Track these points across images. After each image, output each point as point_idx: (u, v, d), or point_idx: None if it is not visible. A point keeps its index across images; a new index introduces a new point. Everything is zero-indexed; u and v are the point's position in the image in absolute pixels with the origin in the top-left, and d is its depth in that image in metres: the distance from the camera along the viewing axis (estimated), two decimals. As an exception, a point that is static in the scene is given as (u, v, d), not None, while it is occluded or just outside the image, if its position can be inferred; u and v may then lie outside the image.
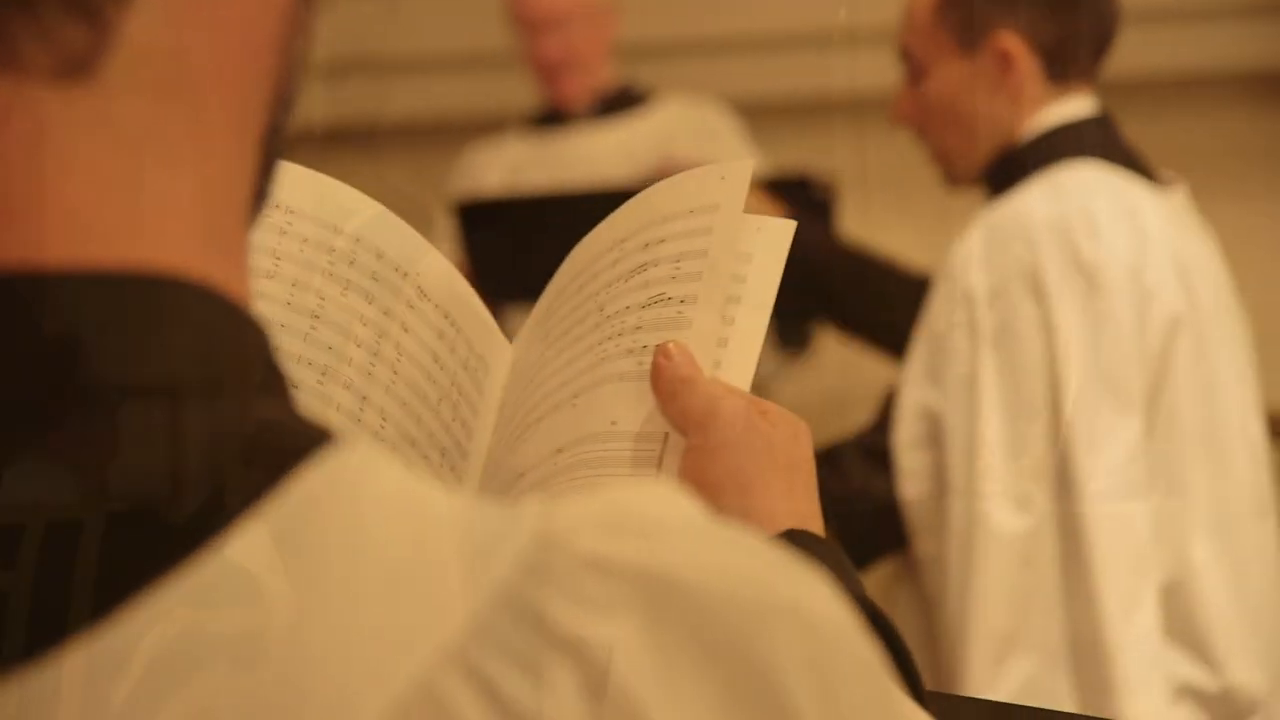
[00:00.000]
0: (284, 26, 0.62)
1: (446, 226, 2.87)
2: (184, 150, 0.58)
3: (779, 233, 0.97)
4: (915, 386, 1.94)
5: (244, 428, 0.56)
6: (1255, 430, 2.03)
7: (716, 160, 0.99)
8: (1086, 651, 1.85)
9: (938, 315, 1.94)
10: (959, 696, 1.71)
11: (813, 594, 0.57)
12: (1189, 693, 1.91)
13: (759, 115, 3.18)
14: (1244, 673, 1.94)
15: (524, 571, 0.54)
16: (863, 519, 1.96)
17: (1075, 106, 2.03)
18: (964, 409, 1.89)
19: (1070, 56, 2.02)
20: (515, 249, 2.36)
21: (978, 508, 1.86)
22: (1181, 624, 1.92)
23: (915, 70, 2.08)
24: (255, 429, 0.56)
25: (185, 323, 0.57)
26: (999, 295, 1.90)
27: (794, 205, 2.42)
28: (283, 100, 0.62)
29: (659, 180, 0.99)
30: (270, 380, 0.60)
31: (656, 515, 0.56)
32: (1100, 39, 2.04)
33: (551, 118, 3.13)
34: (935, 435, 1.92)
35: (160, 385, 0.55)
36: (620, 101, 3.13)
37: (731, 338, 0.95)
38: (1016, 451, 1.87)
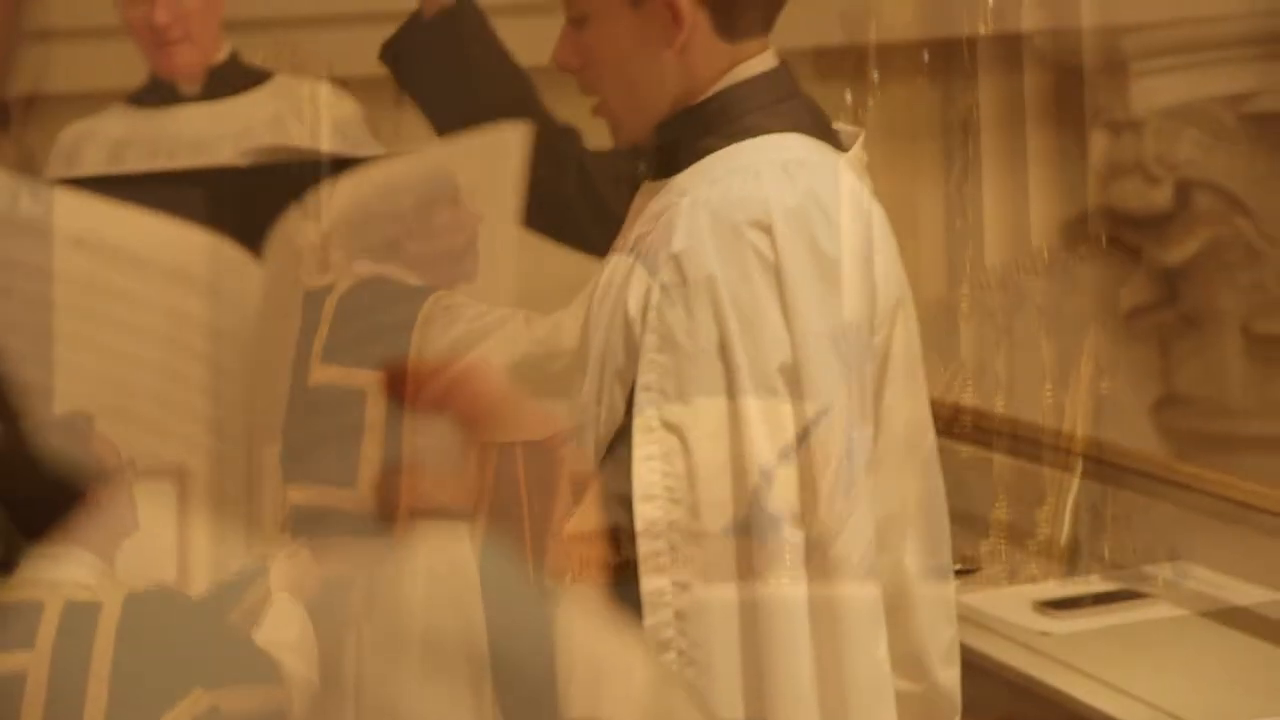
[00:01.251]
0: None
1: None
2: None
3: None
4: (653, 397, 1.81)
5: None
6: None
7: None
8: (830, 681, 1.79)
9: (669, 315, 1.82)
10: None
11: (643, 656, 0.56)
12: (900, 699, 1.89)
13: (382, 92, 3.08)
14: (945, 674, 1.95)
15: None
16: None
17: (753, 64, 1.95)
18: (719, 418, 1.79)
19: (741, 11, 1.94)
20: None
21: (761, 524, 1.77)
22: (899, 636, 1.89)
23: (577, 14, 1.98)
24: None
25: None
26: (742, 291, 1.81)
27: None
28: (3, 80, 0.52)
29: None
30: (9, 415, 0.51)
31: (467, 576, 0.55)
32: None
33: (158, 92, 2.93)
34: (680, 450, 1.79)
35: None
36: (234, 78, 2.93)
37: None
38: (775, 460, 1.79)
